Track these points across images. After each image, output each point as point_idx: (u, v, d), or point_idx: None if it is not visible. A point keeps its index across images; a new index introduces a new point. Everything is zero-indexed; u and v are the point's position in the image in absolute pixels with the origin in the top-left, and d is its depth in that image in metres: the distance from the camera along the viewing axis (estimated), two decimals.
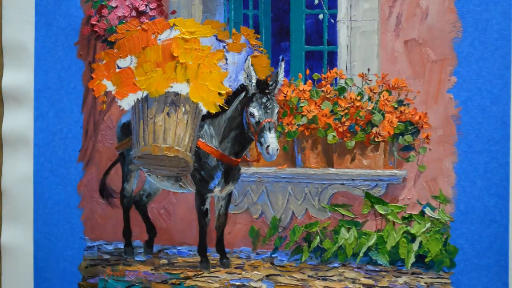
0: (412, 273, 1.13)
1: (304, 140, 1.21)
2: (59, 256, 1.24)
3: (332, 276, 1.16)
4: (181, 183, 1.23)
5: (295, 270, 1.18)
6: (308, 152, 1.20)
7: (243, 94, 1.20)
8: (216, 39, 1.21)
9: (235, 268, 1.21)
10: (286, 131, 1.21)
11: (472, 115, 1.07)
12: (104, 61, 1.22)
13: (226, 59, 1.21)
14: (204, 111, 1.21)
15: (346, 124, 1.16)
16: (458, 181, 1.08)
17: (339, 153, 1.18)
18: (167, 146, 1.19)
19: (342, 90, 1.18)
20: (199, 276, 1.21)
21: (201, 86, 1.18)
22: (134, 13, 1.23)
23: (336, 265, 1.17)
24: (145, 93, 1.21)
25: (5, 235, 1.25)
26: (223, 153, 1.21)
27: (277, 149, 1.13)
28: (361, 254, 1.15)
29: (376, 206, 1.14)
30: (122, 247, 1.25)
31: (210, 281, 1.20)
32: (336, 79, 1.18)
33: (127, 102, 1.22)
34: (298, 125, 1.20)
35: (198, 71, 1.18)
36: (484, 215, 1.07)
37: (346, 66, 1.19)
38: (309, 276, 1.17)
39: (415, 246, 1.11)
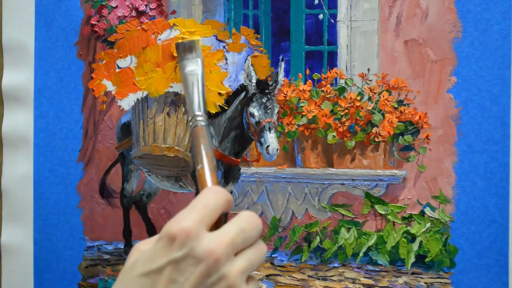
0: (412, 273, 1.13)
1: (304, 140, 1.21)
2: (59, 256, 1.24)
3: (332, 276, 1.16)
4: (181, 183, 1.23)
5: (295, 270, 1.18)
6: (308, 152, 1.20)
7: (243, 94, 1.20)
8: (216, 39, 1.21)
9: None
10: (286, 131, 1.21)
11: (472, 115, 1.07)
12: (104, 61, 1.22)
13: (226, 59, 1.21)
14: None
15: (346, 124, 1.16)
16: (458, 181, 1.08)
17: (339, 153, 1.18)
18: (167, 146, 1.19)
19: (342, 90, 1.18)
20: None
21: None
22: (134, 13, 1.23)
23: (336, 265, 1.17)
24: (145, 93, 1.21)
25: (5, 235, 1.25)
26: (223, 153, 1.21)
27: (277, 149, 1.13)
28: (361, 254, 1.14)
29: (376, 206, 1.14)
30: (122, 247, 1.25)
31: None
32: (336, 79, 1.18)
33: (127, 102, 1.21)
34: (298, 125, 1.20)
35: None
36: (484, 215, 1.07)
37: (346, 66, 1.19)
38: (309, 276, 1.17)
39: (415, 246, 1.11)
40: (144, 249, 0.63)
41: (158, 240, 0.62)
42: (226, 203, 0.65)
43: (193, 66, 0.94)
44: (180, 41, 1.10)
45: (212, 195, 0.65)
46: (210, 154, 0.76)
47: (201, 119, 0.86)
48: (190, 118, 0.87)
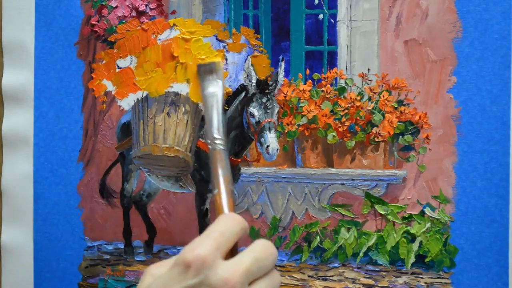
0: (412, 273, 1.13)
1: (304, 140, 1.21)
2: (59, 256, 1.24)
3: (332, 276, 1.16)
4: (181, 183, 1.23)
5: (295, 270, 1.18)
6: (308, 152, 1.20)
7: (243, 94, 1.20)
8: (216, 39, 1.21)
9: None
10: (286, 131, 1.21)
11: (472, 115, 1.07)
12: (104, 61, 1.22)
13: (226, 59, 1.21)
14: None
15: (346, 124, 1.16)
16: (458, 181, 1.08)
17: (339, 153, 1.18)
18: (167, 146, 1.19)
19: (342, 90, 1.18)
20: None
21: None
22: (134, 13, 1.23)
23: (336, 265, 1.17)
24: (145, 93, 1.21)
25: (5, 235, 1.25)
26: None
27: (277, 149, 1.13)
28: (361, 254, 1.14)
29: (376, 206, 1.14)
30: (122, 247, 1.25)
31: None
32: (336, 79, 1.18)
33: (127, 102, 1.22)
34: (298, 125, 1.20)
35: None
36: (484, 215, 1.06)
37: (346, 66, 1.19)
38: (309, 276, 1.17)
39: (415, 246, 1.11)
40: (158, 275, 0.63)
41: (173, 266, 0.62)
42: (242, 230, 0.65)
43: (214, 88, 0.95)
44: (201, 62, 1.11)
45: (229, 222, 0.64)
46: (228, 179, 0.77)
47: (220, 142, 0.87)
48: (209, 141, 0.88)
